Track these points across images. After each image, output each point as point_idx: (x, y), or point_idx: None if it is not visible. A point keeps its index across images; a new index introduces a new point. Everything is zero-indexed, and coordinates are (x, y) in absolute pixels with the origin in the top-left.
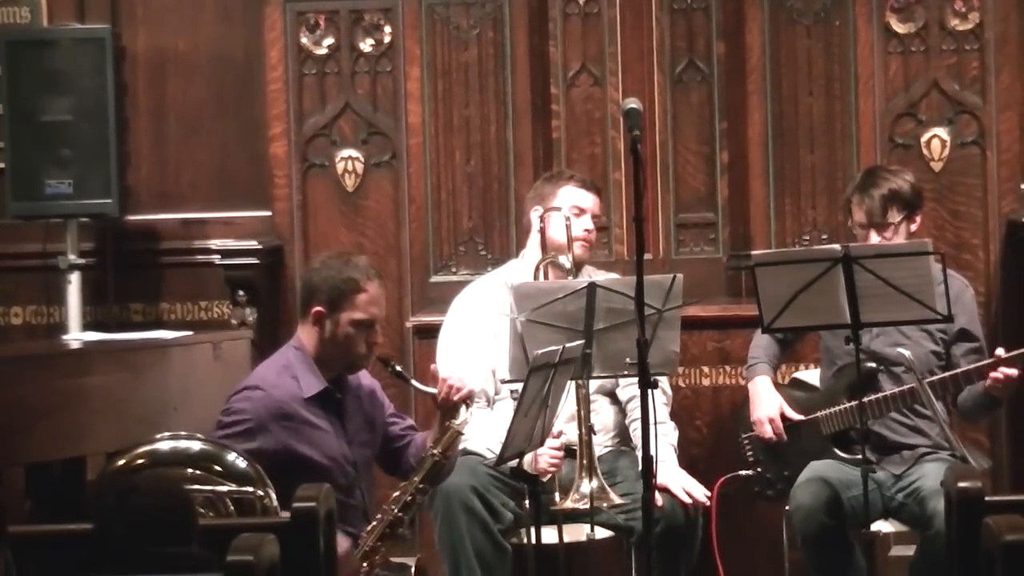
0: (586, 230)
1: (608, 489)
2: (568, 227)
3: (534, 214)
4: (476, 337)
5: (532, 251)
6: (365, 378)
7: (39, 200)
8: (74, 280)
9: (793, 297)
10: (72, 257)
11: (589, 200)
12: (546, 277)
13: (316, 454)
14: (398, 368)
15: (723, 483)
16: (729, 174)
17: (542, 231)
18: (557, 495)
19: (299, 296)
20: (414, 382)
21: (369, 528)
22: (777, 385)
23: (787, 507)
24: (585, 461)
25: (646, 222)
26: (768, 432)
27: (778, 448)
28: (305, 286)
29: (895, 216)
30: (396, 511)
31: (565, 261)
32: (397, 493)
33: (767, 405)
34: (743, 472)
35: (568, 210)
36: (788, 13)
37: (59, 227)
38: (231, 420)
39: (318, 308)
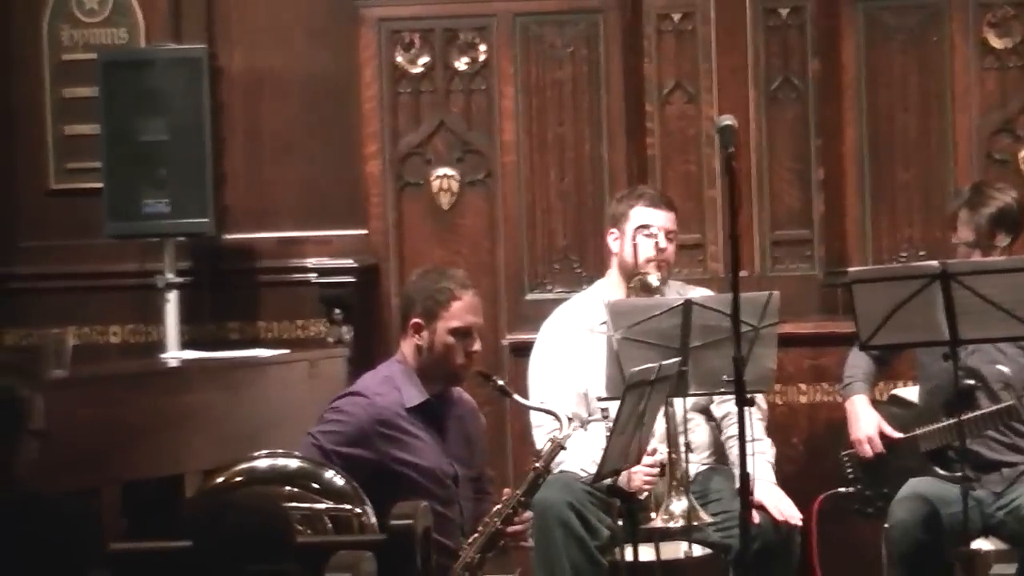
0: (659, 249)
1: (698, 507)
2: (635, 246)
3: (610, 236)
4: (567, 359)
5: (613, 272)
6: (471, 403)
7: (136, 220)
8: (171, 299)
9: (890, 314)
10: (169, 276)
11: (661, 218)
12: (636, 296)
13: (415, 464)
14: (500, 382)
15: (822, 501)
16: (825, 191)
17: (619, 252)
18: (652, 513)
19: (400, 311)
20: (516, 397)
21: (470, 540)
22: (875, 403)
23: (886, 525)
24: (675, 480)
25: (741, 239)
26: (867, 451)
27: (877, 466)
28: (403, 299)
29: (1003, 240)
30: (498, 523)
31: (653, 280)
32: (499, 506)
33: (865, 424)
34: (842, 490)
35: (640, 229)
36: (883, 30)
37: (156, 246)
38: (334, 418)
39: (416, 320)
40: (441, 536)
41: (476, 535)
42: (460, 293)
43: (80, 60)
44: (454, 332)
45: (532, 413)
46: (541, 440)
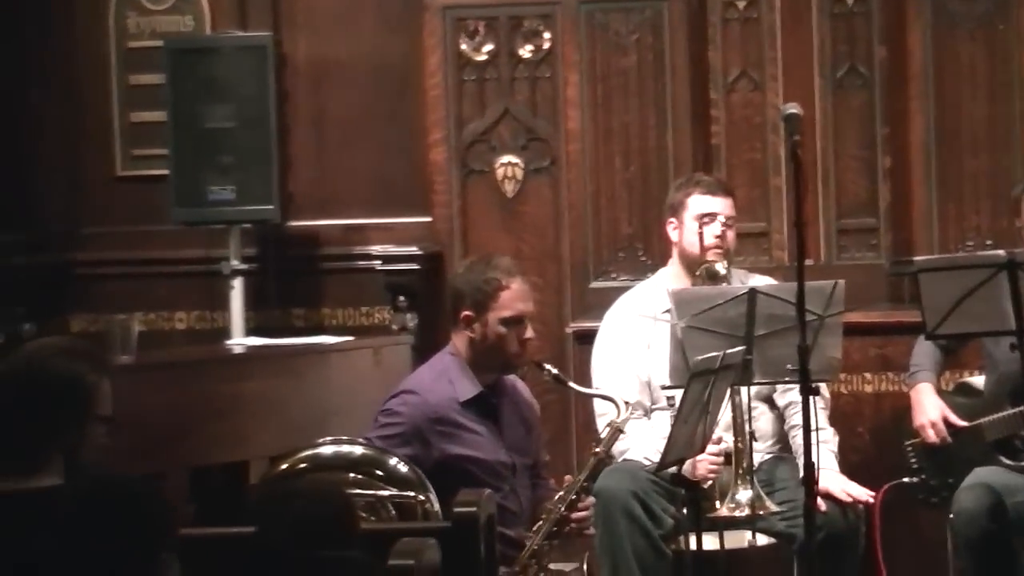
0: (716, 236)
1: (764, 497)
2: (700, 235)
3: (669, 226)
4: (630, 347)
5: (675, 260)
6: (525, 391)
7: (202, 206)
8: (237, 285)
9: (957, 303)
10: (235, 263)
11: (719, 204)
12: (703, 284)
13: (472, 457)
14: (554, 371)
15: (886, 491)
16: (891, 179)
17: (678, 241)
18: (717, 502)
19: (448, 303)
20: (572, 384)
21: (535, 528)
22: (940, 392)
23: (951, 514)
24: (740, 469)
25: (806, 228)
26: (931, 436)
27: (942, 455)
28: (451, 292)
29: None
30: (562, 510)
31: (720, 268)
32: (561, 492)
33: (930, 410)
34: (907, 479)
35: (698, 217)
36: (950, 17)
37: (222, 233)
38: (388, 421)
39: (466, 312)
40: (501, 527)
41: (540, 522)
42: (508, 282)
43: (146, 48)
44: (505, 321)
45: (595, 401)
46: (602, 426)
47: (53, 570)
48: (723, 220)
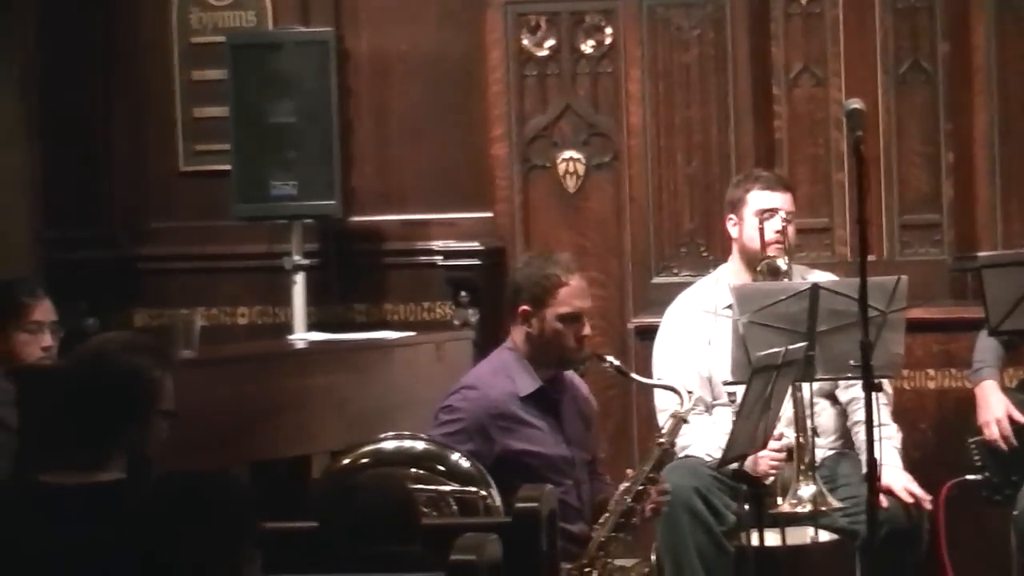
0: (776, 232)
1: (826, 493)
2: (761, 230)
3: (728, 222)
4: (691, 344)
5: (735, 256)
6: (583, 387)
7: (264, 202)
8: (299, 281)
9: (1020, 299)
10: (297, 258)
11: (779, 200)
12: (763, 280)
13: (534, 452)
14: (616, 362)
15: (949, 488)
16: (954, 175)
17: (739, 237)
18: (779, 499)
19: (506, 298)
20: (633, 375)
21: (602, 520)
22: (1004, 389)
23: (1014, 512)
24: (802, 465)
25: (869, 223)
26: (995, 433)
27: (1005, 453)
28: (510, 287)
29: None
30: (629, 500)
31: (782, 263)
32: (627, 484)
33: (995, 407)
34: (970, 477)
35: (759, 213)
36: (1014, 12)
37: (284, 228)
38: (449, 418)
39: (524, 307)
40: (563, 522)
41: (607, 515)
42: (567, 278)
43: (209, 43)
44: (563, 318)
45: (656, 396)
46: (664, 418)
47: (124, 564)
48: (783, 216)
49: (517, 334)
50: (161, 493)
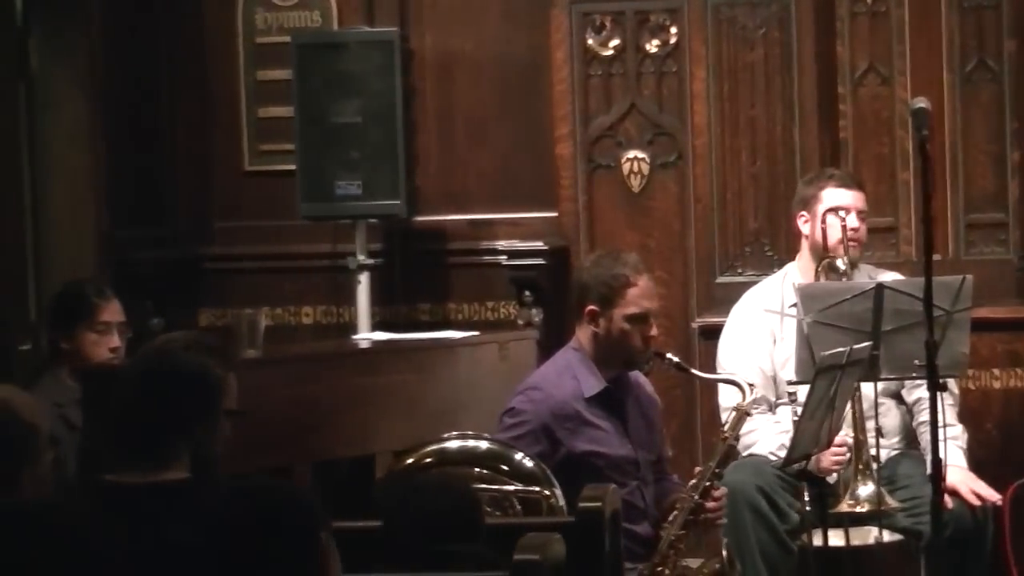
0: (852, 229)
1: (885, 493)
2: (826, 227)
3: (799, 219)
4: (756, 342)
5: (804, 255)
6: (648, 387)
7: (329, 201)
8: (363, 280)
9: None
10: (361, 258)
11: (852, 198)
12: (825, 279)
13: (599, 453)
14: (675, 359)
15: (1015, 489)
16: (1020, 174)
17: (810, 235)
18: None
19: (573, 298)
20: (694, 370)
21: (670, 519)
22: None
23: None
24: (861, 464)
25: (934, 223)
26: None
27: None
28: (577, 286)
29: None
30: (696, 497)
31: (841, 263)
32: (694, 481)
33: None
34: None
35: (832, 211)
36: None
37: (348, 228)
38: (515, 421)
39: (591, 307)
40: (627, 523)
41: (675, 512)
42: (635, 279)
43: (274, 43)
44: (630, 318)
45: (720, 395)
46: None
47: (191, 564)
48: (856, 213)
49: (583, 334)
50: (235, 494)
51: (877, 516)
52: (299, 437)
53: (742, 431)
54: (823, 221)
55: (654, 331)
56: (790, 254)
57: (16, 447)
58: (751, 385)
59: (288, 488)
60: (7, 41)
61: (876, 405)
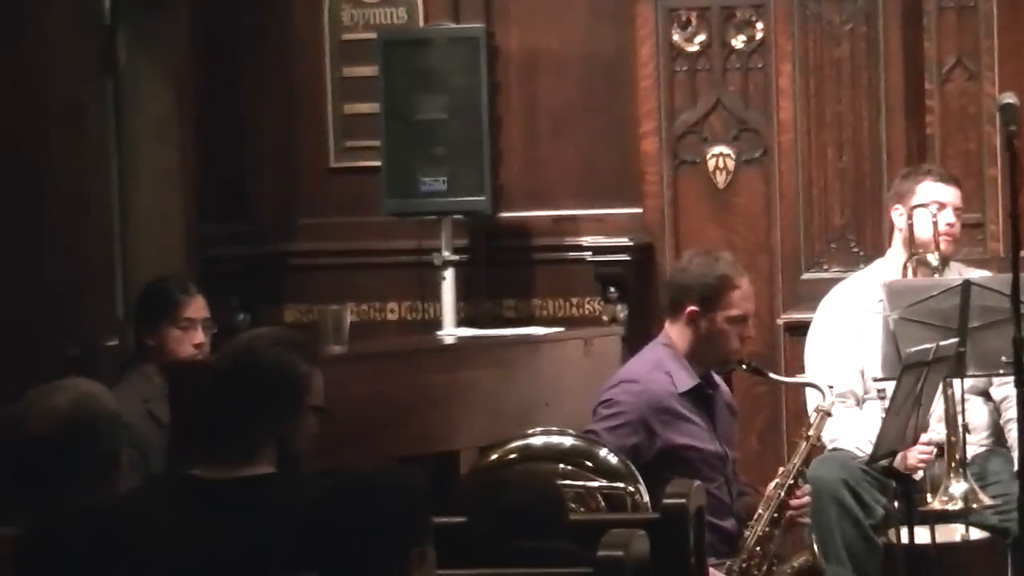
0: (948, 224)
1: (978, 490)
2: (935, 223)
3: (894, 212)
4: (844, 337)
5: (896, 250)
6: (727, 388)
7: (414, 198)
8: (448, 276)
9: None
10: (446, 254)
11: (949, 194)
12: (914, 275)
13: (693, 447)
14: (753, 363)
15: None
16: None
17: (904, 229)
18: (928, 496)
19: (668, 296)
20: (772, 374)
21: (756, 516)
22: None
23: None
24: (953, 462)
25: (1022, 219)
26: None
27: None
28: (675, 286)
29: None
30: (782, 495)
31: (932, 259)
32: (778, 479)
33: None
34: None
35: (929, 206)
36: None
37: (433, 224)
38: (612, 412)
39: (692, 308)
40: (716, 518)
41: (760, 511)
42: (738, 281)
43: (360, 40)
44: (732, 320)
45: (807, 394)
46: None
47: (280, 558)
48: (951, 209)
49: (676, 331)
50: (333, 488)
51: (967, 514)
52: (383, 433)
53: (828, 425)
54: (917, 216)
55: (751, 332)
56: (876, 250)
57: (108, 438)
58: (830, 387)
59: (391, 494)
60: (95, 38)
61: (963, 402)
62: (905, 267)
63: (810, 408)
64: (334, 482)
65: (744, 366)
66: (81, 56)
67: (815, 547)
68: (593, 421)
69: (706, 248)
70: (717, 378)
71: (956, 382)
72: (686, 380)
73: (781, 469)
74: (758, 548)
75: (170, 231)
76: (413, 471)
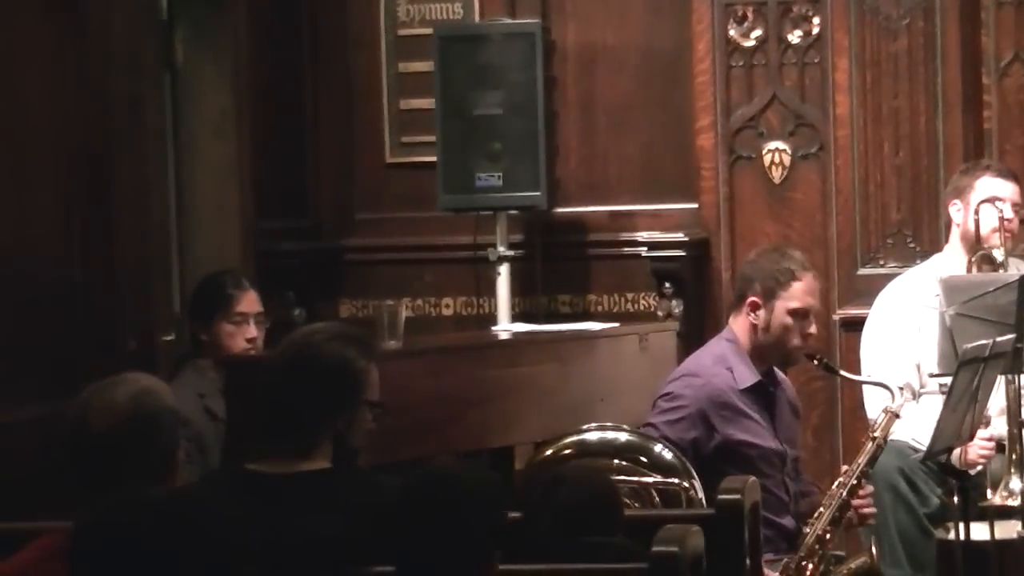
0: (1006, 219)
1: None
2: (1000, 219)
3: (952, 208)
4: (901, 331)
5: (954, 245)
6: (790, 387)
7: (470, 193)
8: (503, 272)
9: None
10: (502, 249)
11: (1008, 189)
12: (978, 270)
13: (752, 443)
14: (825, 360)
15: None
16: None
17: (962, 224)
18: (988, 491)
19: (735, 288)
20: (844, 372)
21: (816, 514)
22: None
23: None
24: (1015, 457)
25: None
26: None
27: None
28: (741, 277)
29: None
30: (843, 495)
31: (998, 254)
32: (841, 479)
33: None
34: None
35: (987, 201)
36: None
37: (489, 219)
38: (672, 405)
39: (754, 298)
40: (773, 515)
41: (821, 510)
42: (801, 274)
43: (416, 35)
44: (793, 313)
45: (865, 389)
46: (873, 412)
47: (345, 552)
48: (1011, 205)
49: (739, 325)
50: (417, 484)
51: (1022, 510)
52: (439, 428)
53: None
54: (976, 211)
55: (813, 329)
56: (933, 246)
57: (167, 433)
58: (901, 389)
59: (477, 493)
60: (152, 34)
61: (1020, 398)
62: (970, 263)
63: (874, 407)
64: (419, 478)
65: (816, 361)
66: (141, 52)
67: (873, 549)
68: (653, 414)
69: (776, 244)
70: (781, 376)
71: (1016, 377)
72: (747, 376)
73: (844, 468)
74: (817, 546)
75: (227, 226)
76: (491, 471)
